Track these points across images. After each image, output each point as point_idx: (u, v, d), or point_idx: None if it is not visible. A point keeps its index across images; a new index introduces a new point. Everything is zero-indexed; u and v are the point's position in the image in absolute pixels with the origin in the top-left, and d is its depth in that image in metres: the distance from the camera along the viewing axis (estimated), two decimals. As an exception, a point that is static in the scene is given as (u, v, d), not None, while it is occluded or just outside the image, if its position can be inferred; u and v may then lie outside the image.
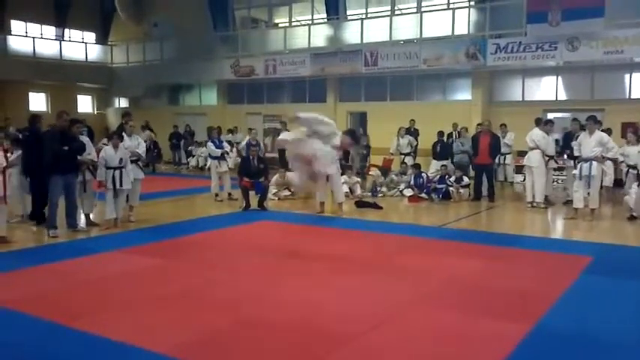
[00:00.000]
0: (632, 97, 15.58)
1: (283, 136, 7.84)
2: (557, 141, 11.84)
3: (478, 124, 14.38)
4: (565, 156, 11.54)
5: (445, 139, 15.22)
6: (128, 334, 4.54)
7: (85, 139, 9.20)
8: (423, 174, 13.29)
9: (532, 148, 11.40)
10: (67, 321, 4.82)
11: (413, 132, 16.31)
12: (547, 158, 11.62)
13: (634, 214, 9.95)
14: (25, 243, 8.19)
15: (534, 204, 11.40)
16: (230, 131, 20.07)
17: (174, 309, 5.21)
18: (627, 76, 15.72)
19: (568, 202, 11.55)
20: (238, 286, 6.02)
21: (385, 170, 14.39)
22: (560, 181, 12.44)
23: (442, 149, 14.66)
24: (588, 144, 9.88)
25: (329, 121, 7.28)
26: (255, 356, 4.22)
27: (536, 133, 11.44)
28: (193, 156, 20.73)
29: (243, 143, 14.39)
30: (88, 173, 9.26)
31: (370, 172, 14.05)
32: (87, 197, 9.43)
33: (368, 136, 17.35)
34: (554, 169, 12.24)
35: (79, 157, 8.88)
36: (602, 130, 10.37)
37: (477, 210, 11.51)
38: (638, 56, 14.39)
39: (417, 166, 13.67)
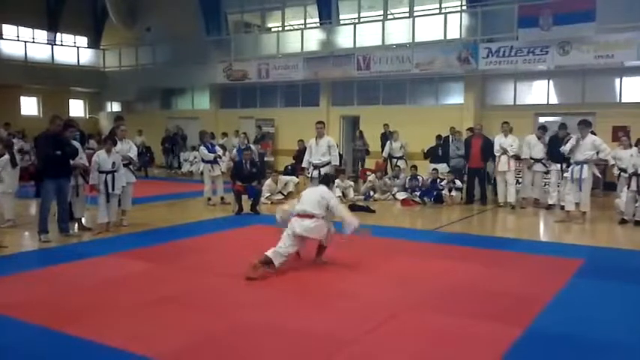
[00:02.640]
0: (622, 101, 15.70)
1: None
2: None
3: (467, 129, 14.44)
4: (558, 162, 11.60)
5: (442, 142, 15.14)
6: (122, 339, 4.52)
7: (76, 143, 9.16)
8: (418, 176, 13.33)
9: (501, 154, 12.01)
10: (60, 326, 4.80)
11: (388, 135, 16.33)
12: (532, 161, 11.79)
13: (625, 217, 10.02)
14: (16, 248, 8.14)
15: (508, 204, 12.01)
16: (225, 134, 20.06)
17: (168, 313, 5.20)
18: (618, 80, 15.84)
19: (550, 207, 11.62)
20: (232, 291, 6.00)
21: (380, 173, 14.37)
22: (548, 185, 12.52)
23: (444, 153, 14.45)
24: (581, 147, 9.93)
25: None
26: (250, 359, 4.22)
27: (527, 139, 11.76)
28: (185, 160, 20.70)
29: (235, 151, 14.44)
30: (80, 178, 9.23)
31: (369, 179, 14.02)
32: (79, 202, 9.39)
33: (365, 139, 17.41)
34: (545, 173, 12.31)
35: (72, 162, 8.85)
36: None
37: (469, 213, 11.55)
38: (629, 60, 14.52)
39: (414, 168, 13.71)
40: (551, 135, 11.94)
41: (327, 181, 7.47)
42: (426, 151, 14.71)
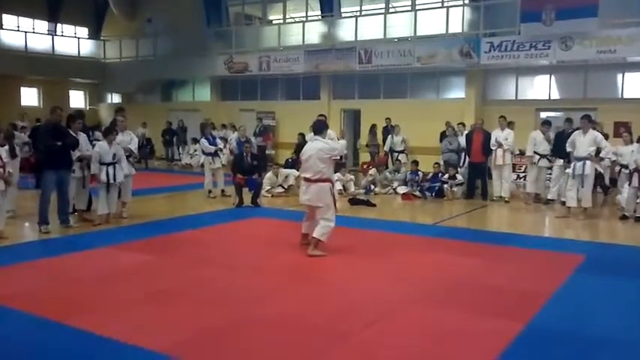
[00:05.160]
0: (624, 96, 15.65)
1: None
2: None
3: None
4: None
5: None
6: (122, 331, 4.52)
7: (81, 135, 9.15)
8: (419, 171, 13.31)
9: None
10: (60, 317, 4.80)
11: (390, 130, 16.29)
12: (538, 157, 11.73)
13: (626, 213, 10.01)
14: (17, 238, 8.14)
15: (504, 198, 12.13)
16: (224, 126, 20.03)
17: (168, 306, 5.19)
18: (620, 75, 15.79)
19: (549, 201, 11.56)
20: (232, 283, 6.00)
21: (382, 166, 14.37)
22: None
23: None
24: (582, 143, 9.92)
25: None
26: (251, 352, 4.21)
27: (533, 135, 11.81)
28: (187, 153, 20.67)
29: (234, 142, 14.42)
30: (86, 169, 9.20)
31: (370, 173, 13.99)
32: (84, 193, 9.38)
33: (377, 135, 17.45)
34: (548, 168, 12.26)
35: (79, 153, 8.85)
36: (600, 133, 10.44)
37: (470, 208, 11.53)
38: (631, 56, 14.44)
39: (415, 163, 13.70)
40: (556, 131, 11.85)
41: (320, 128, 7.39)
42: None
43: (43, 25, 24.80)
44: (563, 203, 10.90)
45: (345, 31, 19.26)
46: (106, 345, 4.29)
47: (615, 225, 9.79)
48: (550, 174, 11.95)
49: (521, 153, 12.27)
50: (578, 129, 10.32)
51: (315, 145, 7.18)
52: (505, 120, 12.32)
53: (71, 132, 8.80)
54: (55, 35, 24.47)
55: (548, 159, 11.69)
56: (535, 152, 11.79)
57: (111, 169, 8.97)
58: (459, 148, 13.26)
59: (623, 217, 9.99)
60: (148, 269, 6.55)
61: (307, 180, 7.15)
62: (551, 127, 12.09)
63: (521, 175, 13.32)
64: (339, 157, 7.58)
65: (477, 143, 12.40)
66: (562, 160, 10.99)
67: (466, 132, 13.42)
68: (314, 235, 7.07)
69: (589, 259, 7.11)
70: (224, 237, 8.59)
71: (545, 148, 11.68)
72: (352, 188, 13.14)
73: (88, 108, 26.29)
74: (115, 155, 9.05)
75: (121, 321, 4.79)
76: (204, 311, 5.06)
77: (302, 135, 16.55)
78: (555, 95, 16.84)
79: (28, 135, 14.03)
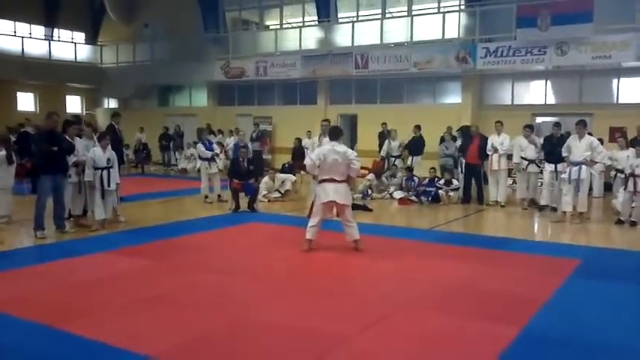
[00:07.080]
0: (619, 101, 15.72)
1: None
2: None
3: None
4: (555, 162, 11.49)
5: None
6: (118, 336, 4.50)
7: (77, 140, 9.13)
8: (414, 177, 13.33)
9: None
10: (57, 323, 4.78)
11: (386, 134, 16.34)
12: (527, 162, 11.73)
13: (621, 217, 10.03)
14: (12, 244, 8.12)
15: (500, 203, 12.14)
16: (220, 132, 20.04)
17: (165, 311, 5.18)
18: (615, 80, 15.85)
19: (544, 207, 11.51)
20: (229, 288, 6.00)
21: (379, 171, 14.36)
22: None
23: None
24: (578, 148, 9.95)
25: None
26: (248, 357, 4.21)
27: (518, 141, 11.86)
28: (185, 157, 20.66)
29: (231, 145, 14.40)
30: (82, 175, 9.19)
31: (368, 177, 13.98)
32: (79, 199, 9.36)
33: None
34: (539, 173, 12.25)
35: (75, 159, 8.84)
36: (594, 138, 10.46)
37: (466, 213, 11.55)
38: (626, 61, 14.53)
39: (409, 169, 13.72)
40: (546, 135, 11.85)
41: (338, 134, 7.83)
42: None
43: (39, 30, 24.78)
44: (554, 209, 10.94)
45: (342, 37, 19.30)
46: (101, 350, 4.28)
47: (611, 229, 9.81)
48: (541, 179, 11.92)
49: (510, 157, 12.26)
50: (568, 133, 10.33)
51: (339, 149, 7.52)
52: (502, 125, 12.29)
53: (67, 137, 8.80)
54: (52, 40, 24.45)
55: (536, 164, 11.67)
56: (522, 158, 11.80)
57: (105, 174, 8.96)
58: (456, 152, 13.28)
59: (619, 222, 10.01)
60: (144, 274, 6.53)
61: (334, 181, 7.47)
62: (534, 131, 12.11)
63: (516, 180, 13.23)
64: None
65: (475, 145, 12.42)
66: (552, 165, 10.94)
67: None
68: (357, 238, 7.54)
69: (585, 264, 7.12)
70: (221, 242, 8.58)
71: (531, 152, 11.67)
72: (349, 193, 13.11)
73: (84, 113, 26.28)
74: (109, 160, 9.05)
75: (117, 326, 4.78)
76: (201, 316, 5.05)
77: (299, 140, 16.60)
78: (551, 100, 16.91)
79: (14, 141, 13.91)
